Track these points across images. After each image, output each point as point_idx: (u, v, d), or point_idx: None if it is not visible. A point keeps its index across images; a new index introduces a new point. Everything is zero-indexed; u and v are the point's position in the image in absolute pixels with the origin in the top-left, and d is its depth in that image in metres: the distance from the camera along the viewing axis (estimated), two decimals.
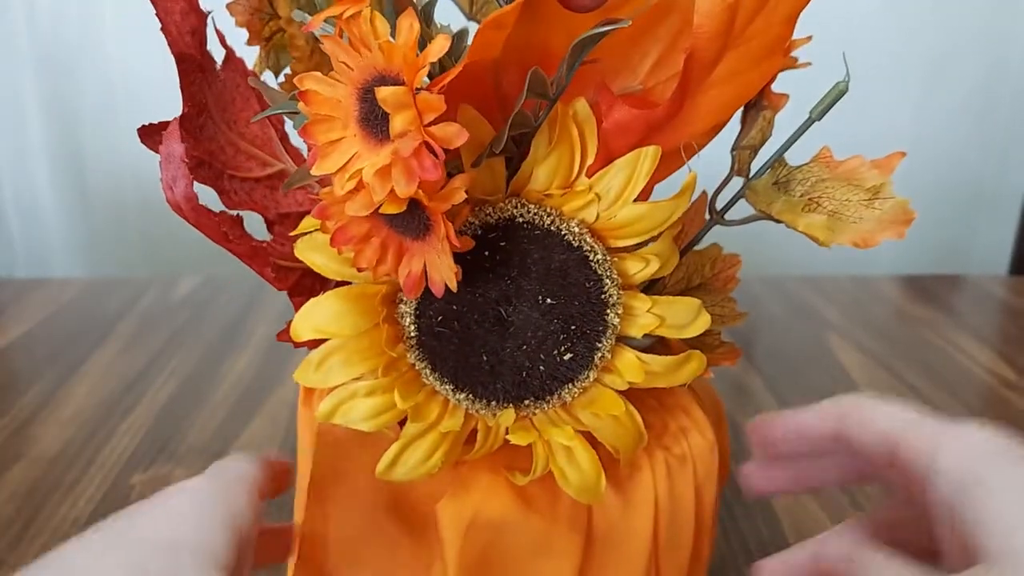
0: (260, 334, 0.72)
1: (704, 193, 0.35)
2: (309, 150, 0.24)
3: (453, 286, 0.25)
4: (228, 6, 0.29)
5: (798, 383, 0.64)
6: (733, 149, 0.32)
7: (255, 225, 0.32)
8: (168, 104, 0.31)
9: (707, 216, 0.33)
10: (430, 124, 0.23)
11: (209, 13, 0.29)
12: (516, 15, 0.23)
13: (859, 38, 0.98)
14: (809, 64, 0.32)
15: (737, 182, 0.32)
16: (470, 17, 0.38)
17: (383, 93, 0.22)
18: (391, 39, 0.23)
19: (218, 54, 0.32)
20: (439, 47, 0.22)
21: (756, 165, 0.32)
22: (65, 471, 0.51)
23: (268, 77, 0.35)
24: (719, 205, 0.32)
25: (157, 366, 0.65)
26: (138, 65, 0.95)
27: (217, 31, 0.30)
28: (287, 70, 0.34)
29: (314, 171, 0.24)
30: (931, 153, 1.06)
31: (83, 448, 0.54)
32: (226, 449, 0.54)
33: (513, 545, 0.31)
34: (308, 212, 0.30)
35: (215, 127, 0.28)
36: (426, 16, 0.27)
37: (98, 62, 0.98)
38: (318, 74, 0.24)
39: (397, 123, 0.22)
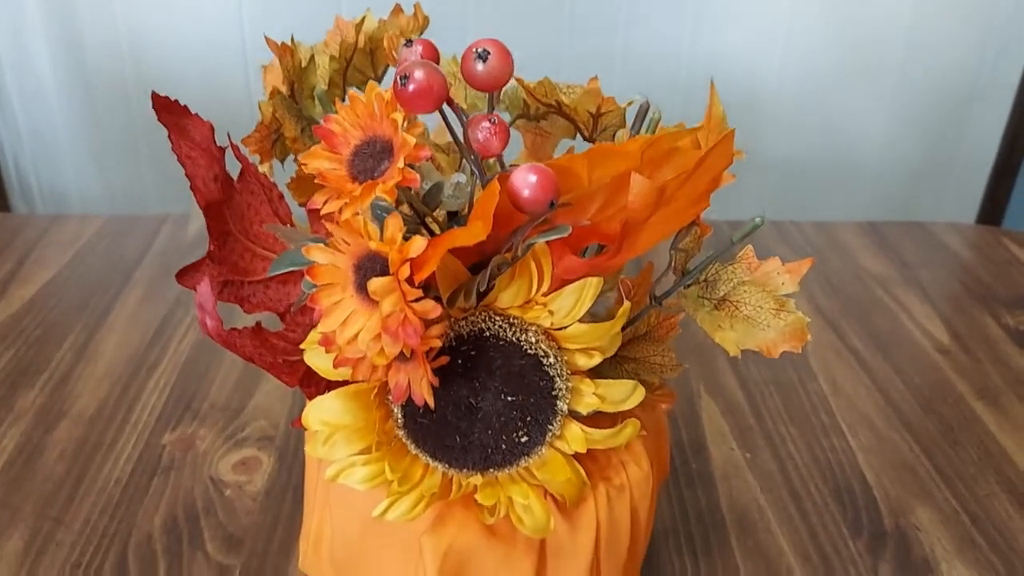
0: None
1: (650, 266, 0.41)
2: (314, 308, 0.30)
3: (431, 403, 0.32)
4: (243, 140, 0.34)
5: None
6: (671, 248, 0.38)
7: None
8: None
9: (648, 300, 0.39)
10: (412, 301, 0.29)
11: (225, 148, 0.34)
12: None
13: None
14: (734, 178, 0.37)
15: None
16: (466, 114, 0.41)
17: (373, 286, 0.28)
18: (379, 239, 0.28)
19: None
20: (418, 246, 0.28)
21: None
22: (104, 430, 0.59)
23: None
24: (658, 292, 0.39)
25: (176, 316, 0.73)
26: None
27: (233, 145, 0.36)
28: (291, 160, 0.39)
29: (320, 328, 0.30)
30: (928, 40, 1.10)
31: (117, 407, 0.62)
32: (243, 407, 0.62)
33: (481, 565, 0.39)
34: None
35: (234, 241, 0.34)
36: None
37: None
38: (321, 246, 0.30)
39: (386, 306, 0.29)
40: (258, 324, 0.34)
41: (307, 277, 0.30)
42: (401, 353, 0.32)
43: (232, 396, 0.63)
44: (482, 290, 0.32)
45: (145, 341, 0.69)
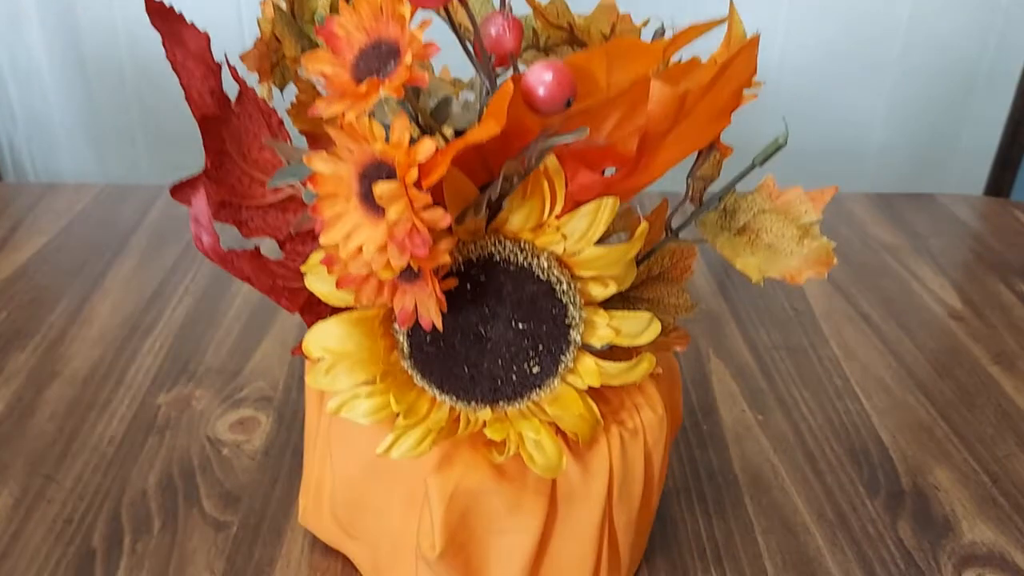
0: (267, 247, 0.77)
1: (665, 201, 0.39)
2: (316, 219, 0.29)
3: (439, 325, 0.30)
4: (241, 57, 0.33)
5: (759, 308, 0.70)
6: (688, 177, 0.36)
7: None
8: None
9: (664, 233, 0.37)
10: (420, 209, 0.27)
11: (222, 65, 0.32)
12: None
13: None
14: (756, 97, 0.35)
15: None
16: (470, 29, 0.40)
17: (379, 190, 0.27)
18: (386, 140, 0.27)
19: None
20: (426, 149, 0.27)
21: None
22: (98, 390, 0.58)
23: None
24: (675, 224, 0.37)
25: (172, 283, 0.71)
26: None
27: (231, 67, 0.34)
28: (291, 88, 0.37)
29: (322, 241, 0.28)
30: (929, 31, 1.09)
31: (111, 368, 0.60)
32: (241, 369, 0.61)
33: (489, 507, 0.37)
34: (314, 230, 0.35)
35: (232, 164, 0.32)
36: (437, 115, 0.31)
37: None
38: (324, 153, 0.28)
39: (392, 213, 0.27)
40: (256, 248, 0.33)
41: (308, 187, 0.28)
42: (408, 271, 0.30)
43: (229, 359, 0.62)
44: (493, 200, 0.30)
45: (140, 306, 0.68)
